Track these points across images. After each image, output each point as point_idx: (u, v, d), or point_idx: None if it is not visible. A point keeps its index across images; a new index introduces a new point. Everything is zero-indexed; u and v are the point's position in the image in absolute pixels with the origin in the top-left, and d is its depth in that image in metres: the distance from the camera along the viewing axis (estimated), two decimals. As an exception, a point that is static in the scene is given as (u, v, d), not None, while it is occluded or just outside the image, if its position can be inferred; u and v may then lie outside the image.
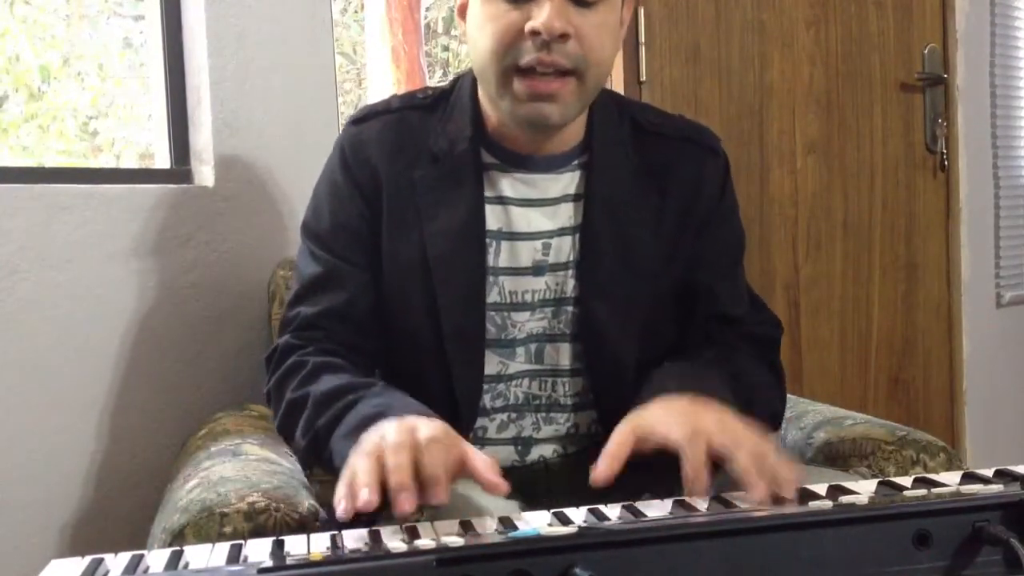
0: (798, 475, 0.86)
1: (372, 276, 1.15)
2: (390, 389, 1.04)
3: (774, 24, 2.38)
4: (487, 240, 1.15)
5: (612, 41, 1.11)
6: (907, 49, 2.55)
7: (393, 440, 0.86)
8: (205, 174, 1.79)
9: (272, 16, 1.81)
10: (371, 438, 0.89)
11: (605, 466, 0.89)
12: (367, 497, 0.81)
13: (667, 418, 0.92)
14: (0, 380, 1.59)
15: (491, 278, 1.15)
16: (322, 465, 1.06)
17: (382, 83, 4.60)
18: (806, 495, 0.84)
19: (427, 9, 5.82)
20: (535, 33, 1.03)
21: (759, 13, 2.36)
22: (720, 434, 0.88)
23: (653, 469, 0.93)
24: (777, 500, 0.83)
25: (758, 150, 2.37)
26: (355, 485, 0.84)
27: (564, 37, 1.04)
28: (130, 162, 4.92)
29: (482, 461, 0.88)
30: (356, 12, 5.66)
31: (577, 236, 1.16)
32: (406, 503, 0.80)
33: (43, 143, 4.83)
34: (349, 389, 1.03)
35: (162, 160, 1.85)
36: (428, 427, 0.88)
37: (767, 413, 1.14)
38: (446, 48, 6.61)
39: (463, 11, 1.14)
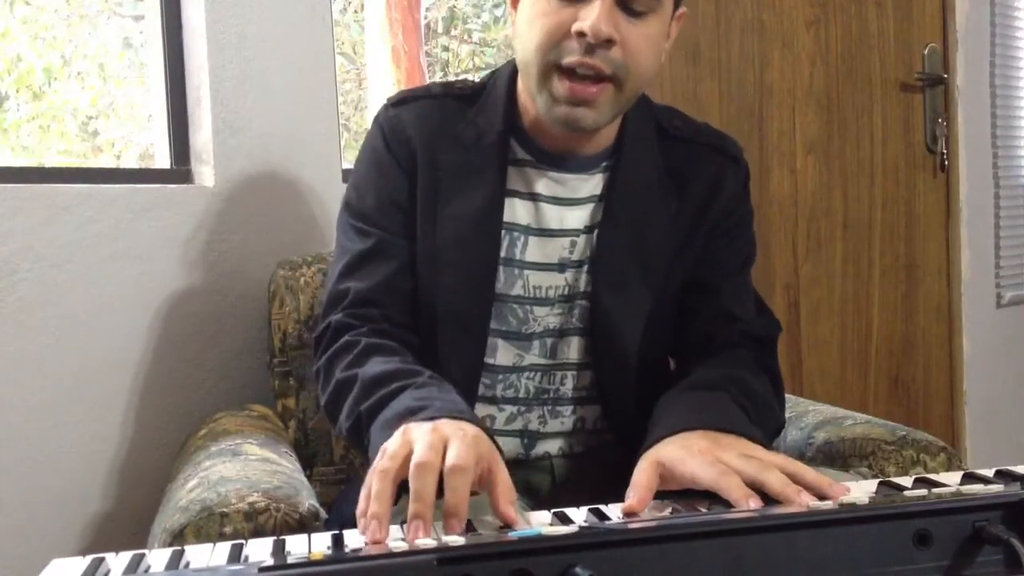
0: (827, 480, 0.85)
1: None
2: (434, 380, 1.02)
3: (774, 24, 2.38)
4: (515, 233, 1.16)
5: (656, 53, 1.11)
6: (907, 49, 2.55)
7: (418, 460, 0.82)
8: (205, 174, 1.79)
9: (272, 16, 1.81)
10: (394, 451, 0.85)
11: (637, 499, 0.86)
12: (376, 535, 0.78)
13: (689, 458, 0.89)
14: (0, 380, 1.59)
15: (515, 271, 1.17)
16: (362, 451, 1.04)
17: (382, 83, 4.60)
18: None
19: (427, 9, 5.82)
20: (581, 34, 1.03)
21: (759, 13, 2.36)
22: (747, 467, 0.85)
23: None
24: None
25: (758, 150, 2.37)
26: (367, 515, 0.80)
27: (609, 43, 1.04)
28: (130, 162, 4.92)
29: (504, 491, 0.84)
30: (356, 12, 5.66)
31: (595, 234, 1.18)
32: (420, 532, 0.77)
33: (43, 143, 4.83)
34: (396, 376, 1.02)
35: (162, 160, 1.85)
36: (458, 444, 0.84)
37: (773, 428, 1.15)
38: (446, 48, 6.61)
39: (516, 1, 1.14)
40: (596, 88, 1.06)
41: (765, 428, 1.07)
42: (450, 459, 0.82)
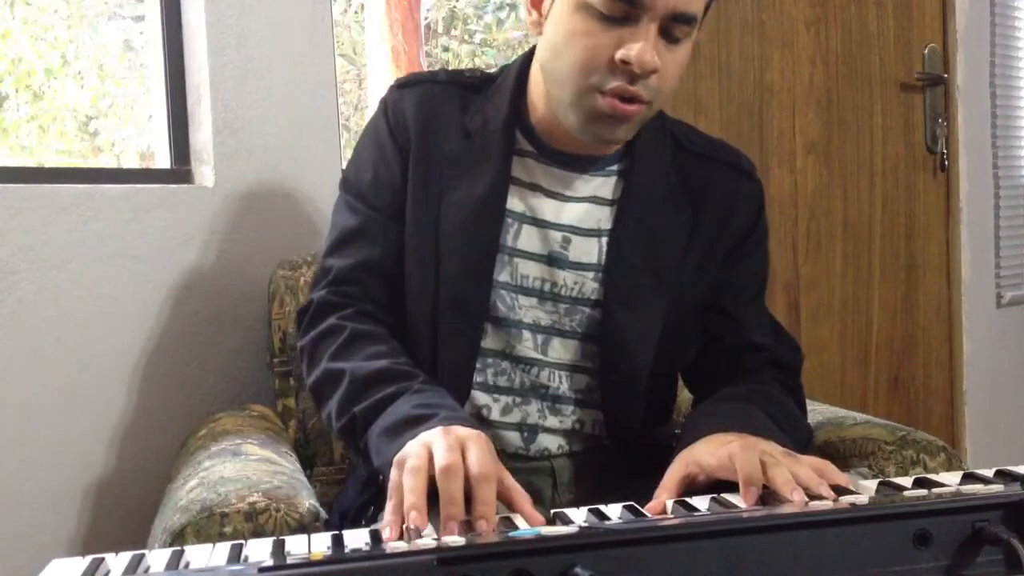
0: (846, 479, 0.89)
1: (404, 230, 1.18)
2: (431, 385, 1.05)
3: (774, 24, 2.38)
4: (508, 220, 1.17)
5: (682, 74, 1.12)
6: (907, 49, 2.55)
7: (445, 462, 0.85)
8: (205, 174, 1.79)
9: (272, 16, 1.81)
10: (417, 451, 0.88)
11: (659, 503, 0.90)
12: (418, 523, 0.82)
13: (718, 449, 0.93)
14: (0, 380, 1.59)
15: (506, 257, 1.17)
16: (355, 449, 1.08)
17: (382, 83, 4.60)
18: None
19: (427, 9, 5.82)
20: (625, 63, 1.03)
21: (759, 13, 2.36)
22: (775, 464, 0.88)
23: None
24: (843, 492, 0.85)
25: (758, 150, 2.37)
26: (404, 508, 0.84)
27: (652, 73, 1.05)
28: (130, 162, 4.92)
29: (522, 496, 0.88)
30: (356, 12, 5.66)
31: (605, 240, 1.17)
32: (455, 531, 0.81)
33: (43, 143, 4.83)
34: (389, 376, 1.05)
35: (162, 160, 1.84)
36: (477, 450, 0.88)
37: (802, 438, 1.17)
38: (446, 48, 6.61)
39: (538, 2, 1.13)
40: (635, 108, 1.07)
41: (794, 437, 1.09)
42: (474, 468, 0.86)
